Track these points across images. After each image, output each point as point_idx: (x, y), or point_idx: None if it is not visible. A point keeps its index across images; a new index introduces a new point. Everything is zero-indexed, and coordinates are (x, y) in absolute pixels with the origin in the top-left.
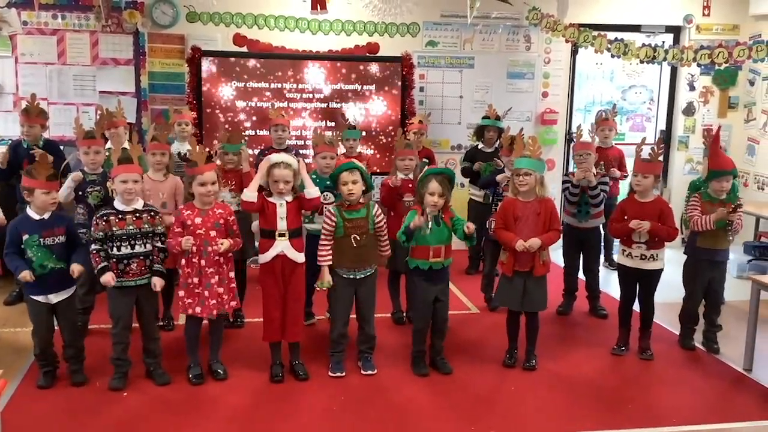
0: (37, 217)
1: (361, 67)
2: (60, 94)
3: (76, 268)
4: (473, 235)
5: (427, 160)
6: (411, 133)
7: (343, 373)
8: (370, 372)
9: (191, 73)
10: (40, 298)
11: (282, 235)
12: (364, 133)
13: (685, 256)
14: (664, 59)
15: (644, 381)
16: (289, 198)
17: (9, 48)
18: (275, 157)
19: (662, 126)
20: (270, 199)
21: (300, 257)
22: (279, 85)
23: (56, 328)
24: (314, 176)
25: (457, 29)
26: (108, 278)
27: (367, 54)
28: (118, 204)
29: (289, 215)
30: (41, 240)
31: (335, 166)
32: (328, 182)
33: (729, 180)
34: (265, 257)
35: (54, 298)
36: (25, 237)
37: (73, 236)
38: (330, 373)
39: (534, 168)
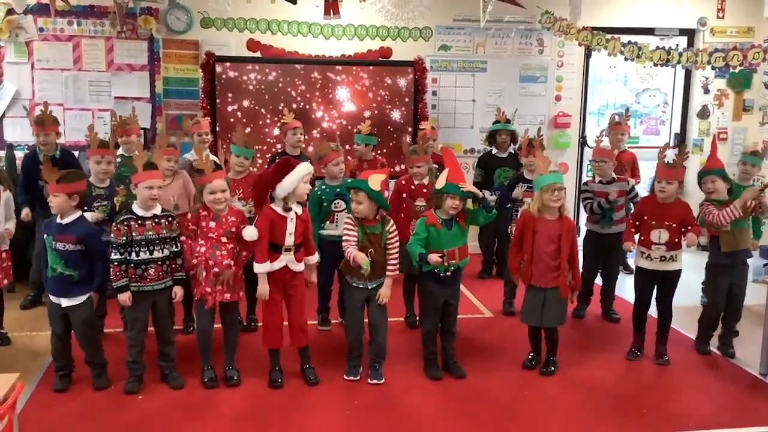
0: (58, 220)
1: (374, 72)
2: (76, 99)
3: (93, 297)
4: (487, 203)
5: (436, 166)
6: (425, 140)
7: (358, 377)
8: (376, 381)
9: (205, 78)
10: (53, 299)
11: (288, 250)
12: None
13: (705, 262)
14: (678, 62)
15: (660, 386)
16: (299, 210)
17: (25, 54)
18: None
19: (676, 129)
20: (283, 214)
21: (300, 267)
22: (292, 90)
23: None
24: (323, 186)
25: (470, 33)
26: (124, 298)
27: (380, 58)
28: (137, 209)
29: (297, 230)
30: (54, 243)
31: (346, 170)
32: (338, 190)
33: (714, 180)
34: (270, 267)
35: (65, 302)
36: (45, 236)
37: (89, 247)
38: (344, 376)
39: (563, 182)
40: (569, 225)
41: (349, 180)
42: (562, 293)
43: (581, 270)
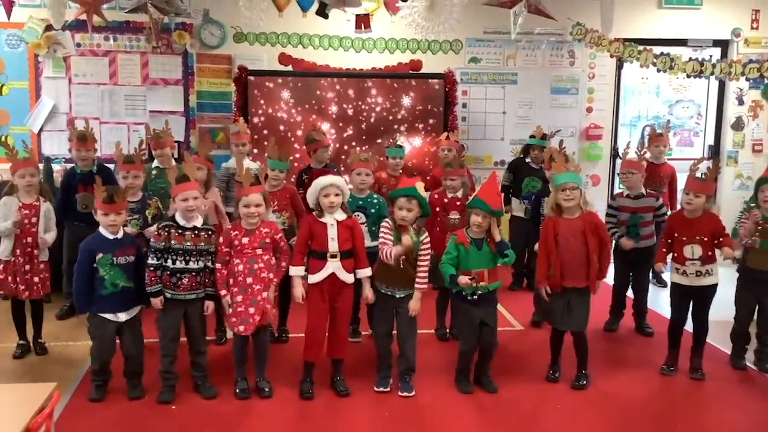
0: (110, 236)
1: (405, 85)
2: (111, 113)
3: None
4: (508, 250)
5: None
6: (440, 150)
7: (388, 389)
8: (406, 394)
9: (238, 91)
10: (108, 316)
11: (333, 256)
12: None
13: (737, 274)
14: (712, 73)
15: (694, 401)
16: (341, 217)
17: (63, 69)
18: (322, 183)
19: (710, 141)
20: (321, 220)
21: (350, 278)
22: (323, 104)
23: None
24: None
25: (500, 45)
26: (157, 302)
27: (410, 71)
28: (179, 218)
29: (340, 236)
30: (114, 259)
31: (372, 185)
32: (360, 202)
33: None
34: (315, 278)
35: (123, 317)
36: (99, 256)
37: (141, 257)
38: (375, 388)
39: (578, 182)
40: (592, 220)
41: (397, 189)
42: (591, 289)
43: (613, 284)
